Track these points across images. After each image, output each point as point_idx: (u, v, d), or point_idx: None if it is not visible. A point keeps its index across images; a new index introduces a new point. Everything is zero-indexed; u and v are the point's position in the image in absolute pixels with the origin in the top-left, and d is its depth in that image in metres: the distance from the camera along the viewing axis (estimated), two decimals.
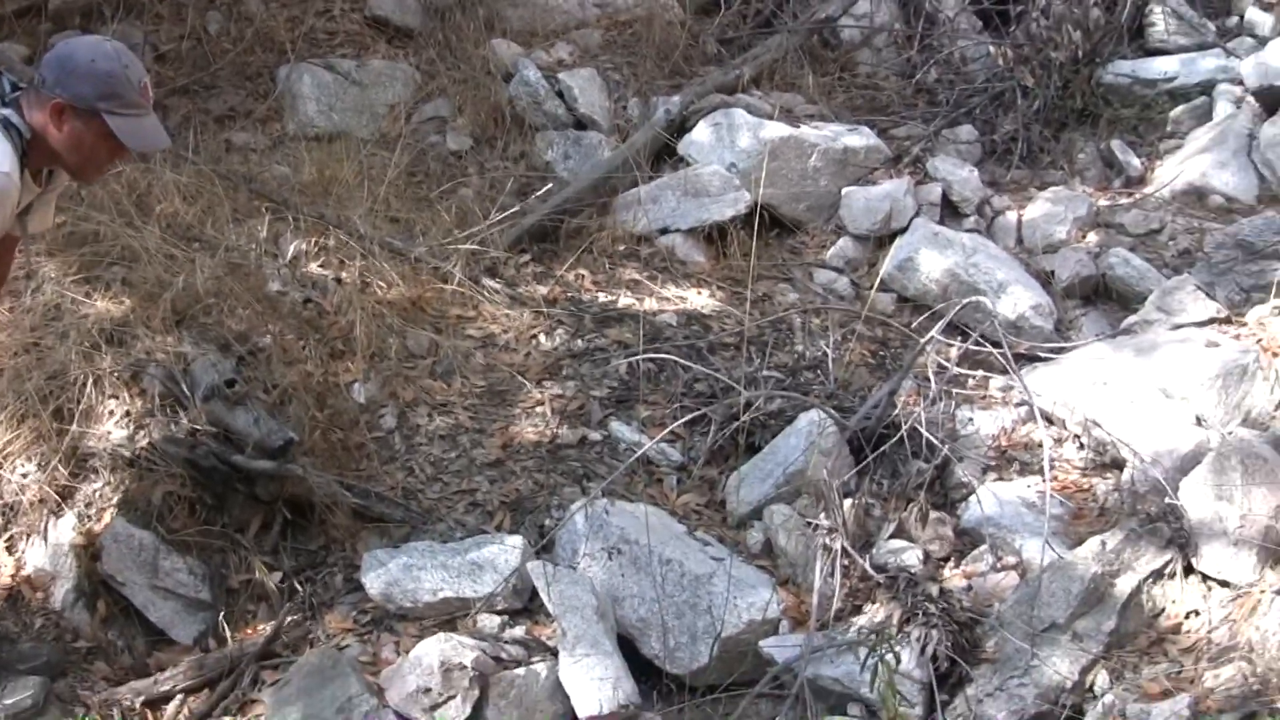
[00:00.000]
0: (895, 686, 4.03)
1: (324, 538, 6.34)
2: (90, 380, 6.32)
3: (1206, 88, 9.79)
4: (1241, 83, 9.62)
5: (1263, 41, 9.84)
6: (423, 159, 8.91)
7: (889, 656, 4.05)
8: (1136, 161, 9.46)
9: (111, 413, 6.30)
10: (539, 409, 7.00)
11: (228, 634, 5.96)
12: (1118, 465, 6.57)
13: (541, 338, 7.45)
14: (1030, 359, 7.35)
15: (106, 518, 6.07)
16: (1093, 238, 8.59)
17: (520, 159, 9.10)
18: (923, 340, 6.76)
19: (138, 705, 5.70)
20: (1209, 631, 5.59)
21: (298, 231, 7.53)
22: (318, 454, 6.44)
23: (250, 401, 6.30)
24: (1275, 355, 6.87)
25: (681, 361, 7.03)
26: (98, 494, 6.16)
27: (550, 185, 8.60)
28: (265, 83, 9.41)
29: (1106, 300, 8.26)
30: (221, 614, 6.03)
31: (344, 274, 7.34)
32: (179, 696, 5.75)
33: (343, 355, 6.95)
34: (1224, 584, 5.72)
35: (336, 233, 7.56)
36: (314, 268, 7.35)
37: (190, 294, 6.76)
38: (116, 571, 6.00)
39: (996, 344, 6.82)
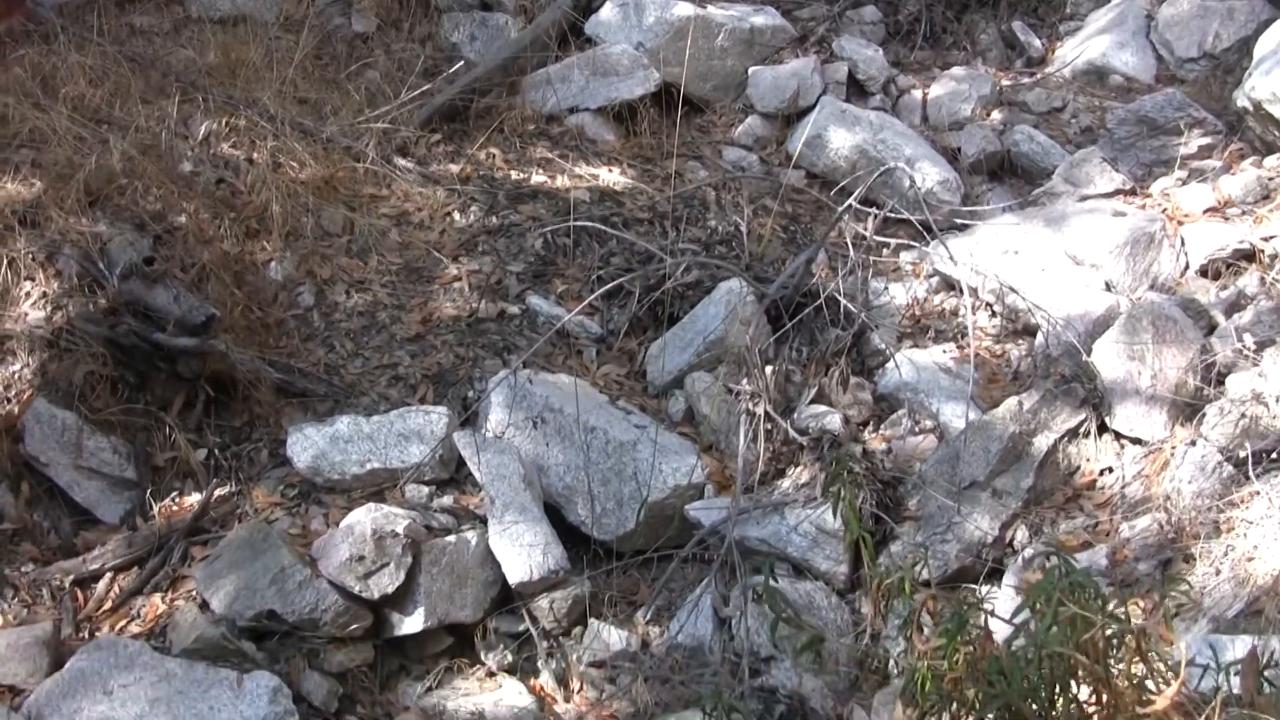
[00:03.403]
0: (856, 510, 4.08)
1: (248, 414, 6.33)
2: (4, 263, 6.25)
3: None
4: None
5: None
6: (329, 41, 8.83)
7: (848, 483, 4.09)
8: (1037, 42, 9.56)
9: (28, 294, 6.24)
10: (457, 284, 7.02)
11: (155, 511, 5.97)
12: (1029, 332, 6.69)
13: (456, 215, 7.44)
14: (943, 230, 7.41)
15: (27, 399, 6.02)
16: (996, 116, 8.68)
17: (426, 41, 9.04)
18: (840, 209, 6.83)
19: (67, 585, 5.70)
20: (1123, 487, 5.74)
21: (207, 113, 7.47)
22: (238, 331, 6.43)
23: (169, 280, 6.27)
24: (1180, 224, 7.01)
25: (604, 229, 7.05)
26: (17, 376, 6.09)
27: (459, 66, 8.56)
28: None
29: (1012, 176, 8.38)
30: (148, 492, 6.04)
31: (256, 154, 7.30)
32: (108, 575, 5.77)
33: (258, 234, 6.93)
34: (1137, 441, 5.88)
35: (246, 114, 7.51)
36: (225, 148, 7.30)
37: (103, 175, 6.69)
38: (39, 453, 5.95)
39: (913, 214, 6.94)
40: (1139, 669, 2.59)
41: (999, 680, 2.64)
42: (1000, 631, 3.19)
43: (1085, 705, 2.61)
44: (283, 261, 6.86)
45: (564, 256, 7.22)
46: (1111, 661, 2.58)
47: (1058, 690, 2.62)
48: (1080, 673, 2.57)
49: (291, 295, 6.81)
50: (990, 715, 2.70)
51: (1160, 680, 2.51)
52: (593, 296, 6.70)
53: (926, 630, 2.99)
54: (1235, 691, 2.81)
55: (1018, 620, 2.87)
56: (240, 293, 6.55)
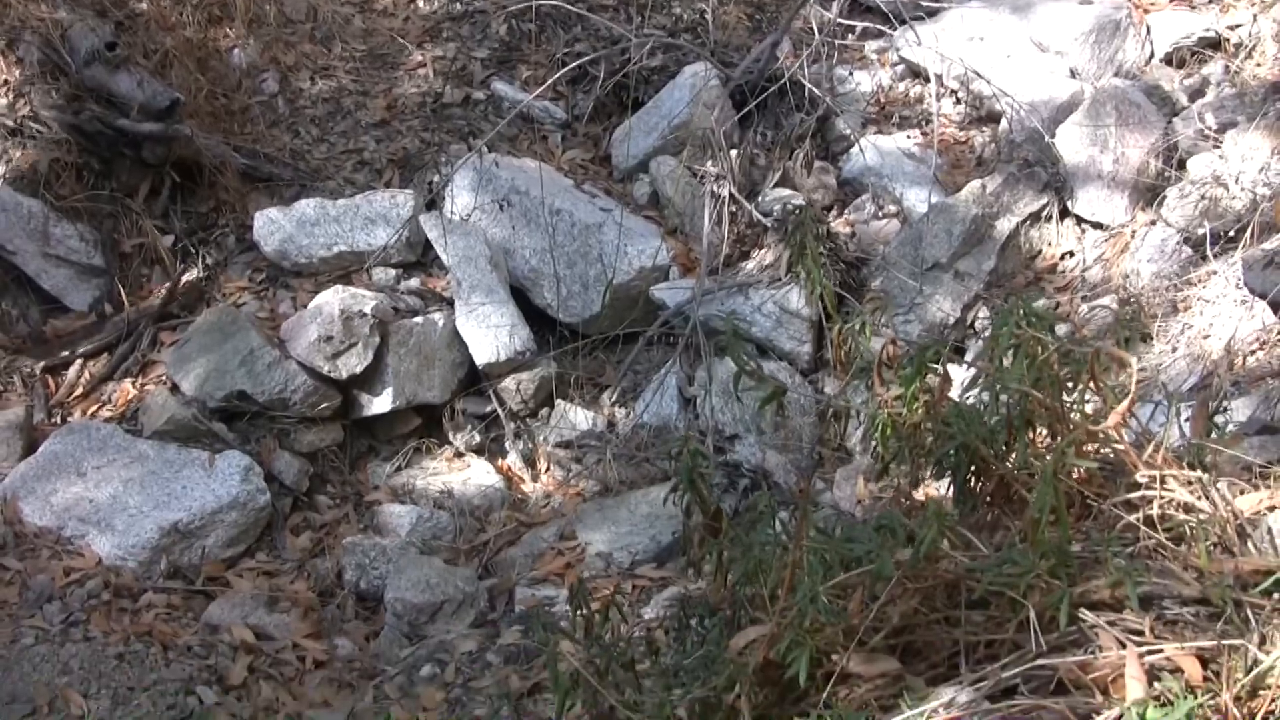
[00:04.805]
0: (820, 261, 4.12)
1: (214, 200, 6.33)
2: None
3: None
4: None
5: None
6: None
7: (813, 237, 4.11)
8: None
9: None
10: (421, 70, 6.99)
11: (123, 298, 6.00)
12: (994, 118, 6.71)
13: (419, 1, 7.38)
14: (909, 20, 7.37)
15: None
16: None
17: None
18: None
19: (38, 371, 5.75)
20: (1084, 270, 5.82)
21: None
22: (202, 118, 6.40)
23: (131, 66, 6.22)
24: (1146, 12, 6.99)
25: (569, 7, 6.96)
26: None
27: None
28: None
29: None
30: (115, 279, 6.06)
31: None
32: (79, 361, 5.83)
33: (220, 21, 6.86)
34: (1098, 225, 5.95)
35: None
36: None
37: None
38: (6, 241, 5.94)
39: None
40: (1092, 403, 2.66)
41: (957, 422, 2.71)
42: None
43: (1040, 445, 2.69)
44: (246, 48, 6.81)
45: (528, 42, 7.18)
46: (1066, 396, 2.65)
47: (1014, 430, 2.69)
48: (1036, 411, 2.63)
49: (255, 82, 6.76)
50: (949, 459, 2.77)
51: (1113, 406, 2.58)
52: (555, 78, 6.67)
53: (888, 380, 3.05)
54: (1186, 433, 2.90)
55: (979, 363, 2.94)
56: (204, 79, 6.50)
